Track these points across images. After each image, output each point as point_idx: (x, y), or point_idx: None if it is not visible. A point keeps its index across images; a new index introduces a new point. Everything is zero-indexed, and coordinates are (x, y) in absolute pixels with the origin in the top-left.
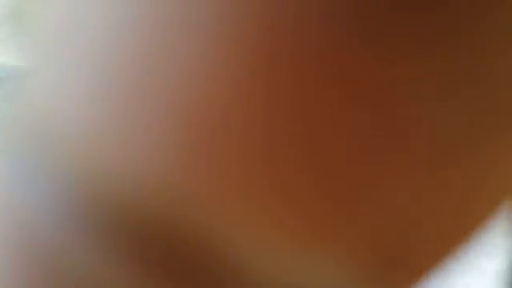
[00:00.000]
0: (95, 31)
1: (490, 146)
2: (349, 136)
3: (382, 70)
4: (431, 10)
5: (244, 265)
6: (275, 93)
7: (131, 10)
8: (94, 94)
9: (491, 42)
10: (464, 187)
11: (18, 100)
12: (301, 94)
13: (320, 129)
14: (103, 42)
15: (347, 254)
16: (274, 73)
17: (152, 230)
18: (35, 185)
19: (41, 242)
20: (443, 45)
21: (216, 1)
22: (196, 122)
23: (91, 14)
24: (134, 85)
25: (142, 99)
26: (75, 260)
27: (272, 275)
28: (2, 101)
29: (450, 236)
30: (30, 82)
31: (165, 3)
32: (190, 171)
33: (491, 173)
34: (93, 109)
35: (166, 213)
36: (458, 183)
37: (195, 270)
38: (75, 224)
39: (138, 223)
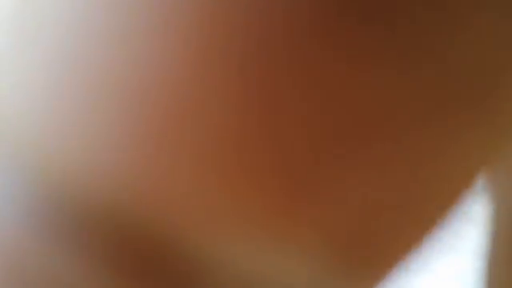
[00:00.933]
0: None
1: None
2: (318, 125)
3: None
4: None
5: (217, 261)
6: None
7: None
8: (54, 82)
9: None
10: (437, 164)
11: None
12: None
13: (289, 116)
14: (70, 26)
15: (320, 243)
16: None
17: (119, 227)
18: None
19: (4, 243)
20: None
21: None
22: (156, 115)
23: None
24: (97, 74)
25: (108, 89)
26: (41, 260)
27: (245, 267)
28: None
29: (425, 217)
30: None
31: None
32: (156, 167)
33: (463, 147)
34: (53, 99)
35: (135, 211)
36: (429, 162)
37: (167, 268)
38: (39, 224)
39: (105, 221)
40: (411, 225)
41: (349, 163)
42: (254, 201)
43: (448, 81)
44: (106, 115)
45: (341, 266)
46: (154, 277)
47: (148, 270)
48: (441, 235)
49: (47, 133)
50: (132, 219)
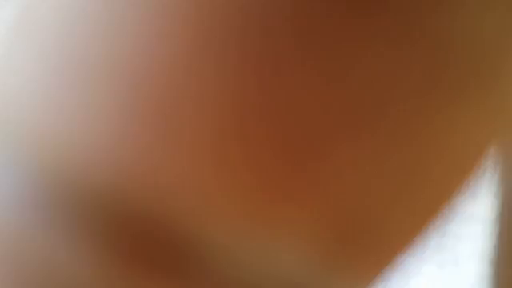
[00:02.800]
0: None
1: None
2: (315, 115)
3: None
4: None
5: (209, 247)
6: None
7: None
8: (52, 68)
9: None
10: (438, 149)
11: None
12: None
13: (287, 106)
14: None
15: (309, 237)
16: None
17: (118, 210)
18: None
19: (9, 235)
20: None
21: None
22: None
23: None
24: (95, 64)
25: (105, 72)
26: (40, 244)
27: (234, 256)
28: None
29: (427, 207)
30: None
31: None
32: (154, 150)
33: (464, 133)
34: (50, 83)
35: (133, 195)
36: (429, 146)
37: (165, 251)
38: (37, 208)
39: (104, 205)
40: (409, 217)
41: (345, 151)
42: (250, 185)
43: (445, 57)
44: (104, 98)
45: (333, 254)
46: (152, 259)
47: (147, 252)
48: (438, 232)
49: (44, 117)
50: (130, 203)
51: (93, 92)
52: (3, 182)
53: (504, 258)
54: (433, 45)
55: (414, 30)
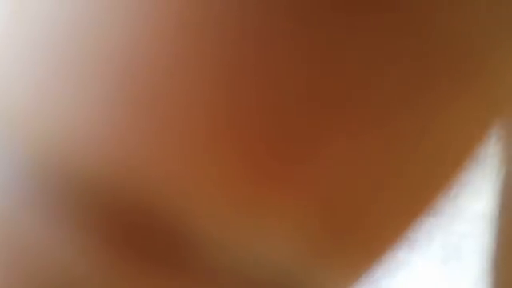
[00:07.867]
0: None
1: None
2: (304, 101)
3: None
4: None
5: (200, 236)
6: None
7: None
8: (47, 55)
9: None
10: (428, 139)
11: None
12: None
13: (277, 93)
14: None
15: (298, 227)
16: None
17: (111, 199)
18: None
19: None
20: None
21: None
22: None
23: None
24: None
25: (99, 60)
26: (33, 233)
27: (225, 244)
28: None
29: (421, 195)
30: None
31: None
32: (147, 141)
33: (466, 112)
34: (45, 71)
35: (126, 184)
36: (419, 137)
37: (155, 240)
38: (34, 203)
39: (97, 194)
40: (400, 207)
41: (336, 142)
42: (241, 176)
43: (435, 43)
44: (98, 91)
45: (322, 244)
46: (144, 248)
47: (138, 241)
48: (443, 230)
49: (38, 109)
50: (122, 193)
51: (86, 85)
52: None
53: (505, 254)
54: (422, 32)
55: (406, 18)
